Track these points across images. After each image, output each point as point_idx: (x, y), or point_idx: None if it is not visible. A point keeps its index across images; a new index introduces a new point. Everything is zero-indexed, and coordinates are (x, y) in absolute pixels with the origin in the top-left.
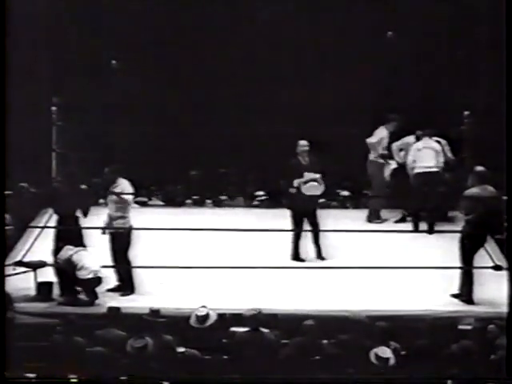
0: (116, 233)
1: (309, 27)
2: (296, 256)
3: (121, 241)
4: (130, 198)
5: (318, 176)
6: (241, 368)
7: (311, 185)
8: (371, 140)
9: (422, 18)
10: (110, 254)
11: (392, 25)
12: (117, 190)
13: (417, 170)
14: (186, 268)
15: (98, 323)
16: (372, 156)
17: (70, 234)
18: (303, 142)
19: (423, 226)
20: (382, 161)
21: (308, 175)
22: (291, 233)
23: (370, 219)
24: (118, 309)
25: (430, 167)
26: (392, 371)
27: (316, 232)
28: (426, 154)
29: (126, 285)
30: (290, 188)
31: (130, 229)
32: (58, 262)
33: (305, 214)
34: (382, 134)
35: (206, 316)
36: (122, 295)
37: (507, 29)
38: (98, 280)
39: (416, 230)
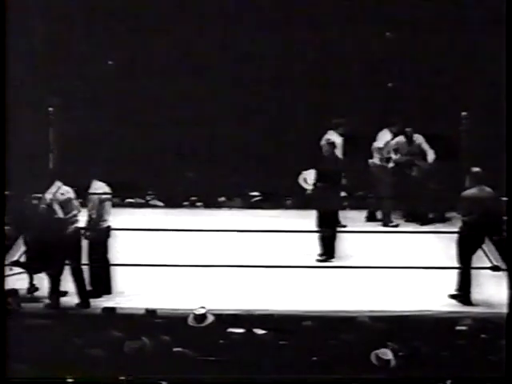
0: (94, 234)
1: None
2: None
3: (98, 242)
4: (97, 198)
5: None
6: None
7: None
8: (378, 144)
9: (421, 17)
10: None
11: (391, 25)
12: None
13: None
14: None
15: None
16: (376, 159)
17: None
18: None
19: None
20: (386, 164)
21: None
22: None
23: (385, 223)
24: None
25: None
26: (390, 371)
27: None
28: None
29: (100, 287)
30: None
31: (109, 229)
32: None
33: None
34: (387, 137)
35: (204, 316)
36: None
37: (507, 29)
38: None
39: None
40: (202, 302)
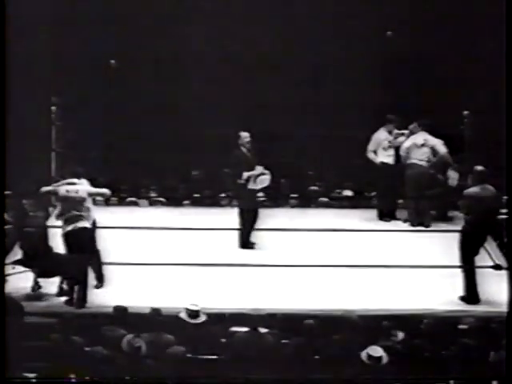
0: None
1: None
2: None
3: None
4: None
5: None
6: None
7: (264, 178)
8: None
9: (421, 16)
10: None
11: (391, 24)
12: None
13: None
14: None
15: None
16: (422, 160)
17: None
18: (245, 134)
19: None
20: (425, 164)
21: (259, 168)
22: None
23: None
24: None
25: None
26: (392, 371)
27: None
28: None
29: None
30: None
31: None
32: None
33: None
34: (431, 139)
35: (197, 312)
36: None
37: (507, 28)
38: None
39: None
40: (205, 302)
